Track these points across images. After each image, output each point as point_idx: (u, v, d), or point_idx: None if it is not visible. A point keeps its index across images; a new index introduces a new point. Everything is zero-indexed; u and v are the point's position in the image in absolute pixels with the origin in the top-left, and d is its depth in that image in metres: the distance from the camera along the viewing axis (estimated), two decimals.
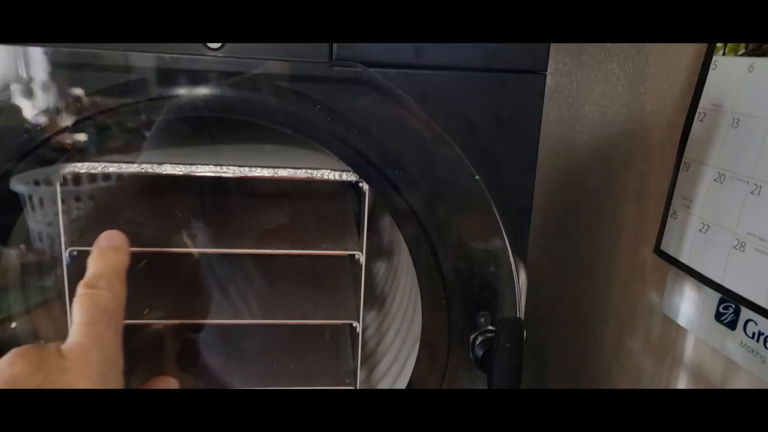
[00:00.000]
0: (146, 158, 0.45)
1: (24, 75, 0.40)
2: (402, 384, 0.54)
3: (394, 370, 0.60)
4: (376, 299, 0.73)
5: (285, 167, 0.45)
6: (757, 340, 0.40)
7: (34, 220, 0.52)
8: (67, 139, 0.42)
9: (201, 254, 0.57)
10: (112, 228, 0.42)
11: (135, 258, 0.56)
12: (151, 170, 0.44)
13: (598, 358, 0.62)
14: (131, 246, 0.42)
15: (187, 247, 0.49)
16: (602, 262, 0.62)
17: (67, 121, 0.41)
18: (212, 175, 0.44)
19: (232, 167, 0.44)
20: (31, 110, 0.42)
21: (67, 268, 0.45)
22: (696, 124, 0.45)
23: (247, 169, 0.45)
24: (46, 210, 0.47)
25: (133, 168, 0.43)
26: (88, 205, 0.53)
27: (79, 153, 0.42)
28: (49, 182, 0.45)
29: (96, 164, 0.43)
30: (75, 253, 0.45)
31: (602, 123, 0.64)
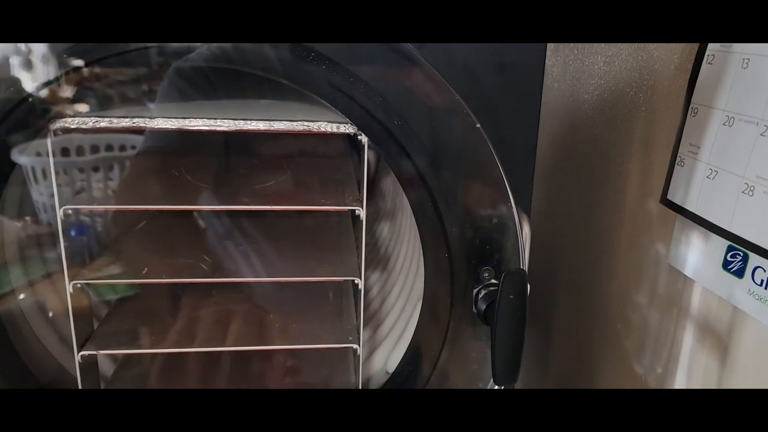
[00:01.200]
0: (141, 113, 0.44)
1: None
2: (405, 341, 0.54)
3: (398, 328, 0.60)
4: (380, 260, 0.72)
5: (281, 120, 0.44)
6: (766, 288, 0.39)
7: (37, 192, 0.51)
8: (57, 92, 0.41)
9: (201, 214, 0.56)
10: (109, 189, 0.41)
11: (135, 217, 0.55)
12: (143, 124, 0.43)
13: (604, 313, 0.62)
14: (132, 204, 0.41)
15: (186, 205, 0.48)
16: (608, 214, 0.61)
17: (56, 72, 0.40)
18: (206, 129, 0.43)
19: (226, 121, 0.43)
20: (20, 70, 0.41)
21: (62, 223, 0.45)
22: (704, 68, 0.44)
23: (241, 122, 0.44)
24: (48, 182, 0.46)
25: (125, 122, 0.42)
26: (85, 165, 0.52)
27: (68, 108, 0.41)
28: (65, 152, 0.44)
29: (87, 119, 0.42)
30: (69, 211, 0.45)
31: (608, 73, 0.62)
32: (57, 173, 0.43)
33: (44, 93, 0.39)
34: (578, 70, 0.67)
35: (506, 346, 0.43)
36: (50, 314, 0.55)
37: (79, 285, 0.46)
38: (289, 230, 0.58)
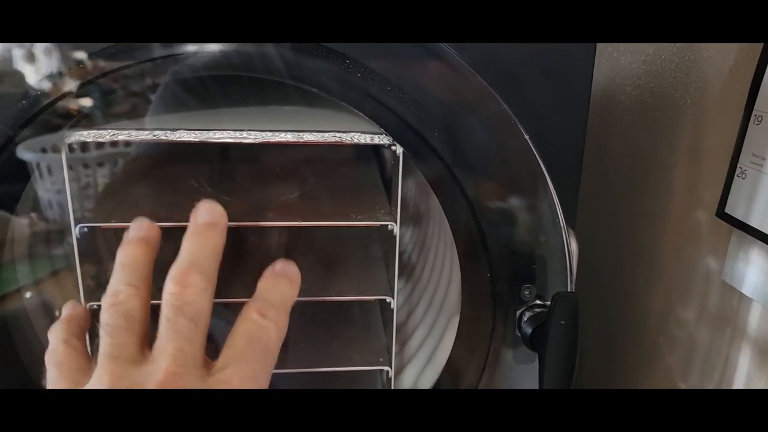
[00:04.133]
0: (158, 123, 0.40)
1: None
2: (437, 361, 0.51)
3: (428, 345, 0.56)
4: (403, 268, 0.69)
5: (311, 131, 0.41)
6: None
7: (43, 189, 0.49)
8: (72, 104, 0.38)
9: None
10: (127, 204, 0.38)
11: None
12: (164, 137, 0.39)
13: (643, 327, 0.59)
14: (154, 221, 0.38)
15: None
16: (648, 224, 0.58)
17: (70, 85, 0.37)
18: (231, 141, 0.40)
19: (253, 132, 0.40)
20: (33, 75, 0.38)
21: (78, 242, 0.42)
22: None
23: (269, 134, 0.40)
24: (55, 178, 0.43)
25: (144, 135, 0.39)
26: (98, 175, 0.49)
27: (85, 119, 0.37)
28: (56, 149, 0.41)
29: (103, 132, 0.39)
30: (86, 229, 0.42)
31: (648, 74, 0.58)
32: (56, 169, 0.40)
33: (60, 105, 0.36)
34: (613, 70, 0.64)
35: (556, 374, 0.40)
36: (57, 313, 0.52)
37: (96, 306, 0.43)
38: (309, 244, 0.55)
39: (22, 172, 0.41)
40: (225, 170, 0.52)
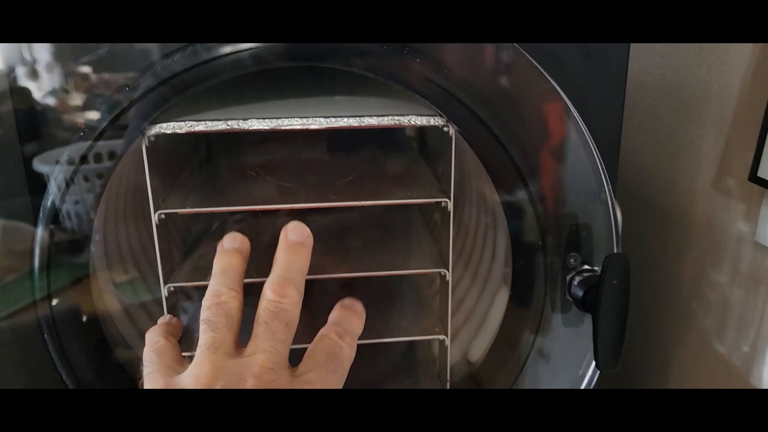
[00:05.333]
0: (227, 115, 0.43)
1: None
2: (487, 330, 0.54)
3: (476, 316, 0.59)
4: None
5: (371, 115, 0.44)
6: None
7: (61, 200, 0.50)
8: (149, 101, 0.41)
9: (276, 214, 0.56)
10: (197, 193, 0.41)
11: (213, 217, 0.55)
12: (237, 126, 0.42)
13: (677, 292, 0.62)
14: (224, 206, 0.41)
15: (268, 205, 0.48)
16: (679, 196, 0.61)
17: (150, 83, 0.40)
18: (299, 128, 0.43)
19: (318, 119, 0.43)
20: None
21: (157, 230, 0.45)
22: None
23: (333, 119, 0.43)
24: (76, 189, 0.46)
25: (219, 125, 0.42)
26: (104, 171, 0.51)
27: (163, 114, 0.40)
28: (84, 160, 0.44)
29: (181, 123, 0.42)
30: (163, 216, 0.45)
31: (671, 52, 0.61)
32: (73, 182, 0.43)
33: (144, 100, 0.39)
34: (638, 48, 0.66)
35: (610, 332, 0.43)
36: (84, 319, 0.55)
37: (173, 288, 0.46)
38: (360, 224, 0.58)
39: (40, 184, 0.44)
40: (281, 157, 0.55)
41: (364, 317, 0.40)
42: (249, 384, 0.31)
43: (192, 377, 0.32)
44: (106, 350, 0.49)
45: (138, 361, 0.44)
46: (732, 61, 0.53)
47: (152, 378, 0.34)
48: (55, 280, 0.49)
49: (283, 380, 0.32)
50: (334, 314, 0.39)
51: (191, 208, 0.45)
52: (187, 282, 0.46)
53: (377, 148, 0.61)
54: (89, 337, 0.48)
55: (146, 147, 0.42)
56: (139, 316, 0.53)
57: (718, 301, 0.56)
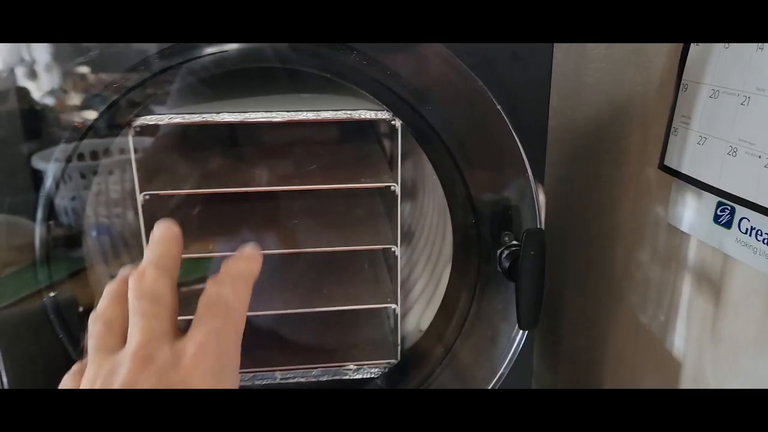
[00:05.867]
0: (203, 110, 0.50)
1: None
2: (435, 303, 0.61)
3: (427, 292, 0.67)
4: (405, 235, 0.79)
5: (327, 110, 0.51)
6: (750, 235, 0.46)
7: (59, 196, 0.55)
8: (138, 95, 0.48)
9: (251, 197, 0.63)
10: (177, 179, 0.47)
11: (194, 202, 0.63)
12: (210, 119, 0.49)
13: (611, 272, 0.69)
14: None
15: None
16: (612, 186, 0.68)
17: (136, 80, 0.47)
18: (264, 120, 0.50)
19: (280, 112, 0.50)
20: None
21: (143, 212, 0.52)
22: (693, 48, 0.50)
23: (293, 113, 0.50)
24: (70, 185, 0.52)
25: (195, 118, 0.49)
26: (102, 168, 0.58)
27: (152, 101, 0.47)
28: (81, 157, 0.50)
29: (163, 116, 0.49)
30: (148, 196, 0.52)
31: (608, 57, 0.68)
32: (72, 178, 0.50)
33: (133, 94, 0.46)
34: (580, 56, 0.74)
35: (529, 297, 0.50)
36: (80, 309, 0.61)
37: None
38: (326, 207, 0.65)
39: (37, 182, 0.49)
40: (254, 148, 0.63)
41: (256, 257, 0.37)
42: (123, 368, 0.31)
43: (85, 380, 0.33)
44: None
45: None
46: (652, 64, 0.60)
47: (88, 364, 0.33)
48: (55, 272, 0.55)
49: (162, 351, 0.31)
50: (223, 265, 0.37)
51: (172, 190, 0.52)
52: None
53: (343, 141, 0.68)
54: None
55: (132, 137, 0.49)
56: None
57: (641, 279, 0.63)
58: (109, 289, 0.36)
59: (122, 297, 0.35)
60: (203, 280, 0.36)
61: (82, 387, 0.32)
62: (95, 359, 0.32)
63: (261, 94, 0.58)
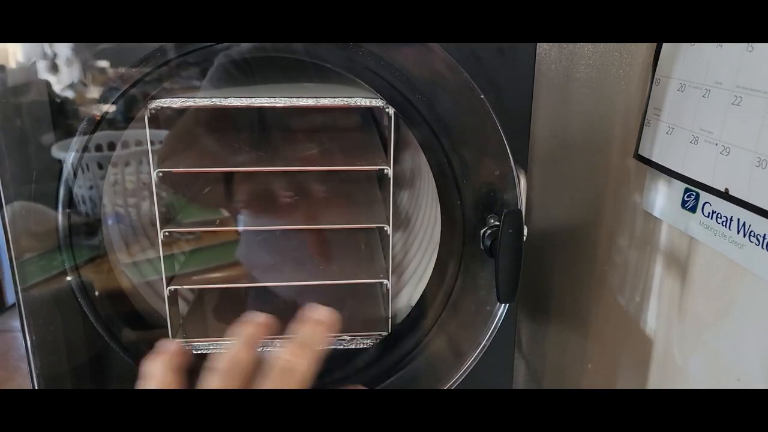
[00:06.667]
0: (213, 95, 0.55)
1: None
2: (425, 281, 0.65)
3: (419, 272, 0.71)
4: (402, 221, 0.84)
5: (325, 97, 0.56)
6: (711, 218, 0.50)
7: (77, 185, 0.60)
8: (153, 79, 0.53)
9: (255, 176, 0.68)
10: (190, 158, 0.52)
11: (205, 181, 0.68)
12: (219, 103, 0.54)
13: (594, 258, 0.73)
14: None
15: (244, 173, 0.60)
16: (596, 175, 0.72)
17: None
18: (267, 105, 0.55)
19: (283, 98, 0.55)
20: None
21: (156, 185, 0.57)
22: (665, 46, 0.54)
23: (295, 99, 0.55)
24: (88, 174, 0.56)
25: (205, 102, 0.54)
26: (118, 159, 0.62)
27: (164, 91, 0.52)
28: (99, 148, 0.55)
29: (176, 100, 0.54)
30: (161, 174, 0.57)
31: (595, 54, 0.72)
32: (88, 168, 0.54)
33: (149, 78, 0.51)
34: (571, 53, 0.78)
35: (507, 272, 0.54)
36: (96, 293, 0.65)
37: (167, 233, 0.58)
38: (329, 189, 0.70)
39: (58, 171, 0.54)
40: (262, 134, 0.67)
41: (330, 323, 0.39)
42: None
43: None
44: (127, 302, 0.61)
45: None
46: (634, 61, 0.64)
47: None
48: (76, 257, 0.59)
49: None
50: (299, 329, 0.38)
51: (184, 168, 0.57)
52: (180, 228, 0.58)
53: (344, 128, 0.73)
54: (115, 295, 0.60)
55: (148, 118, 0.54)
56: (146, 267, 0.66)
57: (621, 263, 0.67)
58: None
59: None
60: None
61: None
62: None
63: (267, 83, 0.63)
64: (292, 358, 0.36)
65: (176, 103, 0.54)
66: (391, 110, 0.56)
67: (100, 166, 0.60)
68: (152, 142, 0.55)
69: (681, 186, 0.53)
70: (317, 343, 0.38)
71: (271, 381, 0.35)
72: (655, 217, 0.59)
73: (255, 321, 0.39)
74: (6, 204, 0.55)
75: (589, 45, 0.74)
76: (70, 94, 0.53)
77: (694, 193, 0.52)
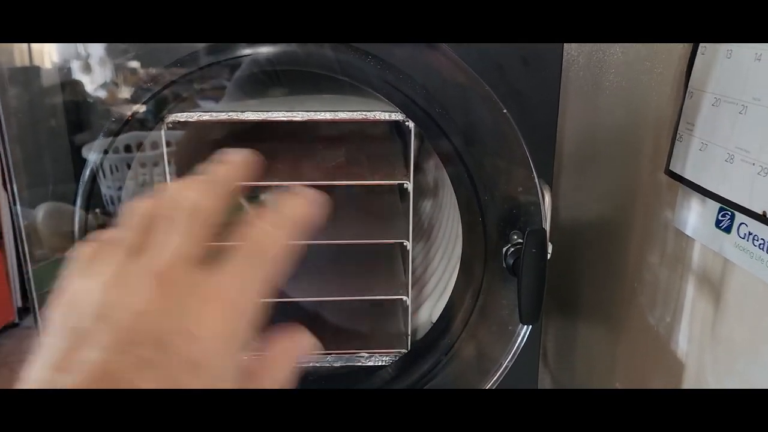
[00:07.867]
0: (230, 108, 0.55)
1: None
2: (446, 297, 0.64)
3: (440, 287, 0.70)
4: (424, 232, 0.82)
5: (343, 110, 0.54)
6: (747, 240, 0.47)
7: (105, 186, 0.60)
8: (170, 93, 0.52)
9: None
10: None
11: None
12: (236, 117, 0.54)
13: (623, 274, 0.70)
14: None
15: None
16: (625, 190, 0.69)
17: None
18: (285, 119, 0.54)
19: (300, 112, 0.54)
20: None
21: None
22: (698, 57, 0.52)
23: (312, 113, 0.54)
24: (116, 176, 0.56)
25: (222, 116, 0.53)
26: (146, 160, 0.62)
27: (182, 103, 0.52)
28: (128, 149, 0.55)
29: (193, 113, 0.53)
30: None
31: (625, 63, 0.70)
32: (117, 168, 0.54)
33: (166, 92, 0.51)
34: (600, 61, 0.75)
35: (530, 292, 0.52)
36: None
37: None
38: (346, 202, 0.69)
39: (87, 171, 0.53)
40: (281, 144, 0.67)
41: (317, 204, 0.30)
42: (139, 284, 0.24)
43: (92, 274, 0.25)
44: None
45: None
46: (665, 71, 0.61)
47: None
48: None
49: (185, 276, 0.25)
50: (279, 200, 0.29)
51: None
52: None
53: (370, 136, 0.72)
54: None
55: (164, 132, 0.53)
56: None
57: (651, 281, 0.65)
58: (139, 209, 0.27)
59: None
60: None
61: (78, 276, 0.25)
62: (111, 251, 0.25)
63: (288, 93, 0.62)
64: (272, 229, 0.28)
65: (193, 117, 0.53)
66: (411, 124, 0.55)
67: (128, 166, 0.60)
68: (172, 154, 0.55)
69: (715, 205, 0.51)
70: (299, 220, 0.29)
71: (240, 255, 0.26)
72: (687, 235, 0.56)
73: (230, 159, 0.30)
74: (38, 205, 0.55)
75: (619, 53, 0.71)
76: (102, 94, 0.53)
77: (729, 213, 0.49)
